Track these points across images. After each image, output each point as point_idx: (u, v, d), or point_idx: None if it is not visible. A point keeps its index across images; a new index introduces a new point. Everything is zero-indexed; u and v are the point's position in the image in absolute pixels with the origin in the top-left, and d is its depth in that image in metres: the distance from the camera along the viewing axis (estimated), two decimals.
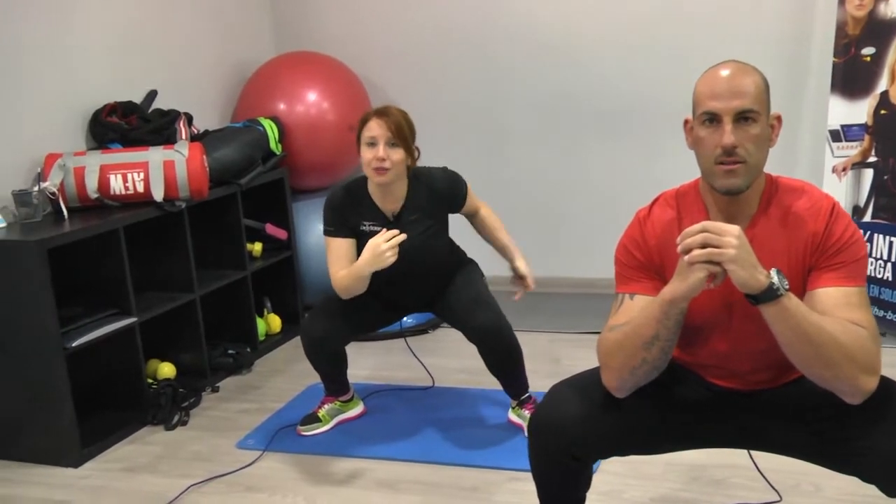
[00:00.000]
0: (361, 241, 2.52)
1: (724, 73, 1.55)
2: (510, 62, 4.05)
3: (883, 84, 3.22)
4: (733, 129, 1.51)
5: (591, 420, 1.64)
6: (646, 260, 1.69)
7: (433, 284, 2.65)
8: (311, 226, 3.85)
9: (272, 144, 3.61)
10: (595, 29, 3.87)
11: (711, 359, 1.69)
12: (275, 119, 3.71)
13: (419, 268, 2.55)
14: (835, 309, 1.49)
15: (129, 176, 2.92)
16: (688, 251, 1.46)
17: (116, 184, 2.92)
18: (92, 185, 2.91)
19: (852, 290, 1.52)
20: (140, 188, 2.94)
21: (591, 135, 4.00)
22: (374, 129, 2.44)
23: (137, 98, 3.39)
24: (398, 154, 2.46)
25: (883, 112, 3.24)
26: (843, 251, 1.54)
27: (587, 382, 1.69)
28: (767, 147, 1.58)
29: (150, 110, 3.37)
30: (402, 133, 2.45)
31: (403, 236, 2.38)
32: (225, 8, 4.01)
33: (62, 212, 2.86)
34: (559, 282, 4.15)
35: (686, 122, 1.64)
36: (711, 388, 1.72)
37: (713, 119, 1.54)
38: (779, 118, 1.60)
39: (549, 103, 4.03)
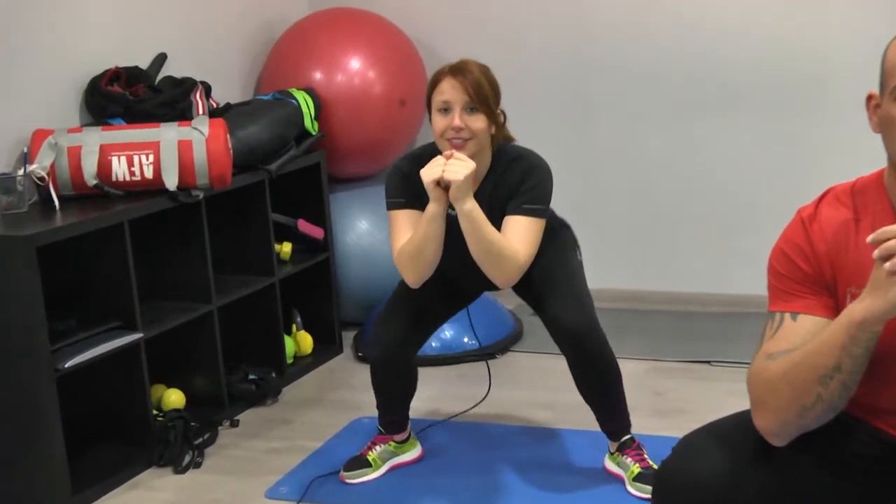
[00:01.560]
0: None
1: None
2: (603, 18, 4.04)
3: None
4: None
5: (738, 478, 1.60)
6: (813, 271, 1.64)
7: None
8: (352, 221, 3.90)
9: (307, 122, 3.64)
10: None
11: (894, 402, 1.62)
12: (310, 91, 3.73)
13: (478, 275, 2.51)
14: None
15: (136, 158, 2.94)
16: (888, 257, 1.40)
17: (120, 168, 2.94)
18: (90, 169, 2.92)
19: None
20: (149, 174, 2.96)
21: (710, 110, 3.96)
22: (448, 91, 2.43)
23: (144, 63, 3.41)
24: (479, 121, 2.43)
25: None
26: None
27: (730, 429, 1.66)
28: None
29: (159, 78, 3.41)
30: (483, 95, 2.42)
31: (472, 165, 2.34)
32: None
33: (53, 201, 2.87)
34: (658, 297, 4.15)
35: (870, 98, 1.59)
36: (888, 441, 1.66)
37: None
38: None
39: (651, 68, 4.00)
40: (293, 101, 3.60)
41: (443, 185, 2.35)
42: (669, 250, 4.13)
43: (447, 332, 3.62)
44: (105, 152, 2.93)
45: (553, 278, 2.59)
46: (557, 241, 2.67)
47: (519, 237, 2.44)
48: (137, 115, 3.14)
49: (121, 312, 2.86)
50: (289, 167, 3.52)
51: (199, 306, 3.14)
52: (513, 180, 2.50)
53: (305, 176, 3.70)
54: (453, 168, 2.33)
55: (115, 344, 2.80)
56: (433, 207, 2.39)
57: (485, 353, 3.55)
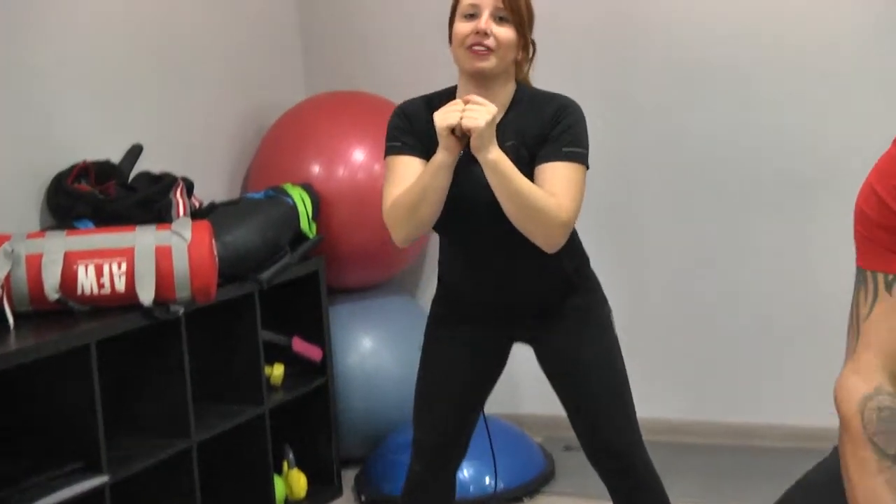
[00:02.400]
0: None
1: None
2: (641, 95, 4.06)
3: None
4: None
5: None
6: None
7: (533, 277, 2.55)
8: (355, 340, 3.89)
9: (303, 224, 3.64)
10: (770, 51, 3.81)
11: None
12: (307, 188, 3.73)
13: (502, 227, 2.41)
14: None
15: (106, 268, 2.91)
16: None
17: (87, 279, 2.91)
18: (52, 280, 2.88)
19: None
20: (121, 286, 2.92)
21: (763, 206, 3.93)
22: None
23: (116, 156, 3.40)
24: (507, 32, 2.41)
25: None
26: None
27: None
28: None
29: (134, 174, 3.40)
30: (516, 5, 2.42)
31: (493, 110, 2.32)
32: (236, 30, 4.11)
33: (6, 319, 2.82)
34: (712, 429, 4.07)
35: None
36: None
37: None
38: None
39: (699, 153, 4.00)
40: (288, 199, 3.60)
41: (458, 133, 2.32)
42: (729, 375, 4.06)
43: (465, 470, 3.48)
44: (70, 261, 2.90)
45: (598, 388, 2.56)
46: (592, 320, 2.62)
47: (560, 187, 2.38)
48: (108, 216, 3.13)
49: (83, 451, 2.79)
50: (282, 276, 3.50)
51: (175, 442, 3.08)
52: (543, 119, 2.47)
53: (301, 286, 3.69)
54: (473, 114, 2.30)
55: (76, 489, 2.71)
56: (442, 156, 2.35)
57: (510, 498, 3.52)
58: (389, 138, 2.54)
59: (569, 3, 4.07)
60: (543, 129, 2.45)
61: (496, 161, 2.31)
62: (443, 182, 2.37)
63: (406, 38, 4.27)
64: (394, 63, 4.28)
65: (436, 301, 2.68)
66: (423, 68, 4.19)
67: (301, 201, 3.62)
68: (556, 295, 2.57)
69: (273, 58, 4.29)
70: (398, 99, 4.02)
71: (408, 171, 2.46)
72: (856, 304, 1.58)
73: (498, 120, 2.41)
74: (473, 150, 2.32)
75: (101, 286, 2.89)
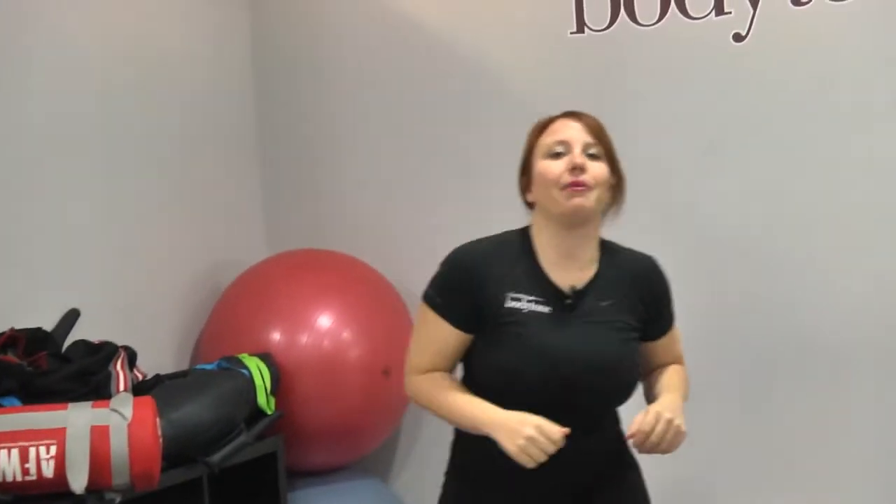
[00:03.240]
0: (506, 326, 2.43)
1: None
2: None
3: None
4: None
5: None
6: None
7: (599, 463, 2.51)
8: None
9: (261, 399, 3.59)
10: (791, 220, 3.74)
11: None
12: (266, 358, 3.69)
13: (597, 397, 2.45)
14: None
15: (32, 451, 2.81)
16: None
17: (10, 464, 2.80)
18: None
19: None
20: (49, 472, 2.81)
21: (802, 384, 3.76)
22: (564, 129, 2.46)
23: (49, 323, 3.37)
24: (602, 168, 2.44)
25: None
26: None
27: None
28: None
29: (68, 343, 3.35)
30: (606, 139, 2.47)
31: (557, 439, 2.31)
32: (190, 181, 4.10)
33: None
34: None
35: None
36: None
37: None
38: None
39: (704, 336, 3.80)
40: (244, 370, 3.57)
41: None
42: None
43: None
44: None
45: None
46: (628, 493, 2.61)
47: (678, 351, 2.68)
48: (38, 392, 3.06)
49: None
50: (236, 458, 3.43)
51: None
52: (637, 283, 2.53)
53: (257, 469, 3.62)
54: (532, 449, 2.29)
55: None
56: (489, 430, 2.36)
57: None
58: (434, 285, 2.52)
59: None
60: (642, 296, 2.52)
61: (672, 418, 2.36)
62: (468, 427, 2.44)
63: (375, 194, 4.31)
64: (363, 219, 4.30)
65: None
66: (395, 225, 4.27)
67: (258, 373, 3.57)
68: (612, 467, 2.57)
69: (231, 212, 4.29)
70: (368, 257, 4.09)
71: (437, 337, 2.48)
72: None
73: (586, 279, 2.47)
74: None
75: (25, 472, 2.79)
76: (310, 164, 4.40)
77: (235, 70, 4.36)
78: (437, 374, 2.48)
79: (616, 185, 2.49)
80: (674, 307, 2.63)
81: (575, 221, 2.42)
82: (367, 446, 3.95)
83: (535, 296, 2.43)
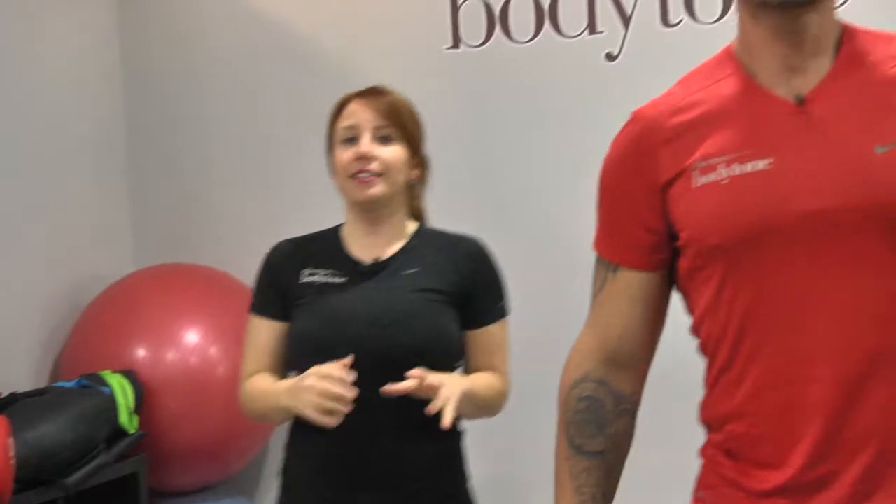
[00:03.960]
0: (303, 300, 2.44)
1: None
2: None
3: None
4: None
5: None
6: None
7: (422, 469, 2.41)
8: None
9: (122, 417, 3.52)
10: None
11: None
12: (129, 375, 3.62)
13: (397, 363, 2.29)
14: None
15: None
16: None
17: None
18: None
19: None
20: None
21: None
22: (354, 114, 2.42)
23: None
24: (395, 152, 2.41)
25: None
26: None
27: None
28: None
29: None
30: (402, 120, 2.43)
31: (355, 393, 2.23)
32: (54, 189, 4.01)
33: None
34: None
35: None
36: None
37: None
38: None
39: None
40: (105, 388, 3.49)
41: None
42: None
43: None
44: None
45: None
46: None
47: (499, 357, 2.48)
48: None
49: None
50: (96, 479, 3.37)
51: None
52: (456, 264, 2.45)
53: (118, 490, 3.55)
54: (322, 400, 2.24)
55: None
56: (288, 406, 2.34)
57: None
58: (253, 291, 2.57)
59: None
60: (462, 279, 2.44)
61: (459, 404, 2.25)
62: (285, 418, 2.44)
63: (246, 207, 4.28)
64: (233, 233, 4.25)
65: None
66: (265, 238, 4.19)
67: (121, 391, 3.51)
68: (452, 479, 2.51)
69: (95, 225, 4.21)
70: (238, 272, 4.02)
71: (258, 338, 2.49)
72: (593, 279, 1.81)
73: (390, 253, 2.45)
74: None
75: None
76: (179, 175, 4.34)
77: (103, 74, 4.26)
78: (258, 375, 2.46)
79: (420, 164, 2.50)
80: (504, 307, 2.52)
81: (370, 209, 2.43)
82: (234, 465, 3.89)
83: (332, 269, 2.44)
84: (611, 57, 3.66)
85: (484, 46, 3.83)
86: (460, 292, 2.45)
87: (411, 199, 2.54)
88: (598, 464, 1.76)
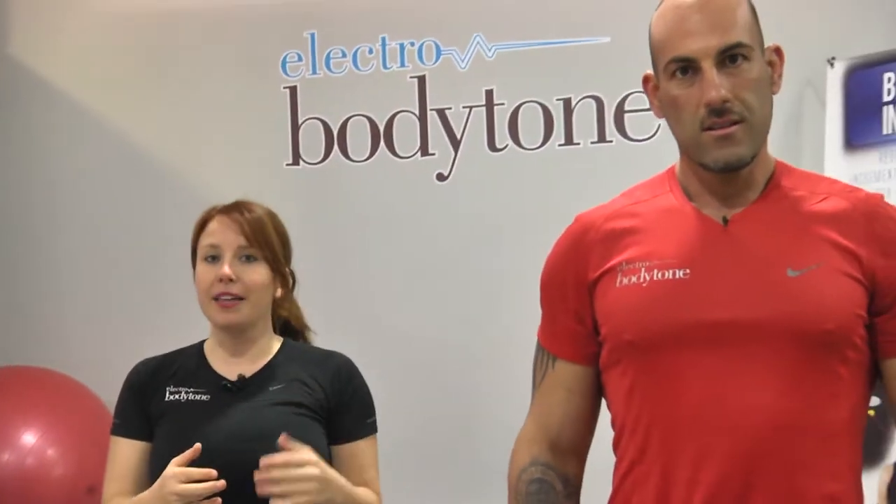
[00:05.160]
0: (166, 418, 2.30)
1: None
2: None
3: None
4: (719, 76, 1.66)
5: None
6: None
7: None
8: None
9: None
10: None
11: None
12: None
13: (249, 469, 2.13)
14: None
15: None
16: None
17: None
18: None
19: None
20: None
21: None
22: (218, 232, 2.30)
23: None
24: (257, 273, 2.29)
25: None
26: None
27: None
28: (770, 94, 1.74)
29: None
30: (266, 239, 2.30)
31: (220, 484, 2.09)
32: None
33: None
34: None
35: (646, 81, 1.79)
36: None
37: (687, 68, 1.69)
38: (778, 50, 1.76)
39: None
40: None
41: None
42: None
43: None
44: None
45: None
46: None
47: (371, 474, 2.33)
48: None
49: None
50: None
51: None
52: (326, 379, 2.34)
53: None
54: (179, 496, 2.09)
55: None
56: None
57: None
58: (115, 412, 2.39)
59: None
60: (328, 394, 2.34)
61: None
62: None
63: (82, 311, 4.20)
64: (71, 336, 4.16)
65: None
66: (104, 340, 4.09)
67: None
68: None
69: None
70: (79, 374, 3.96)
71: (120, 459, 2.33)
72: (534, 367, 1.87)
73: (255, 369, 2.33)
74: None
75: None
76: (13, 278, 4.24)
77: None
78: (119, 498, 2.29)
79: (284, 283, 2.38)
80: (373, 423, 2.40)
81: (232, 332, 2.32)
82: None
83: (196, 387, 2.32)
84: (441, 177, 3.86)
85: (323, 164, 3.96)
86: (327, 407, 2.35)
87: (281, 310, 2.44)
88: None
